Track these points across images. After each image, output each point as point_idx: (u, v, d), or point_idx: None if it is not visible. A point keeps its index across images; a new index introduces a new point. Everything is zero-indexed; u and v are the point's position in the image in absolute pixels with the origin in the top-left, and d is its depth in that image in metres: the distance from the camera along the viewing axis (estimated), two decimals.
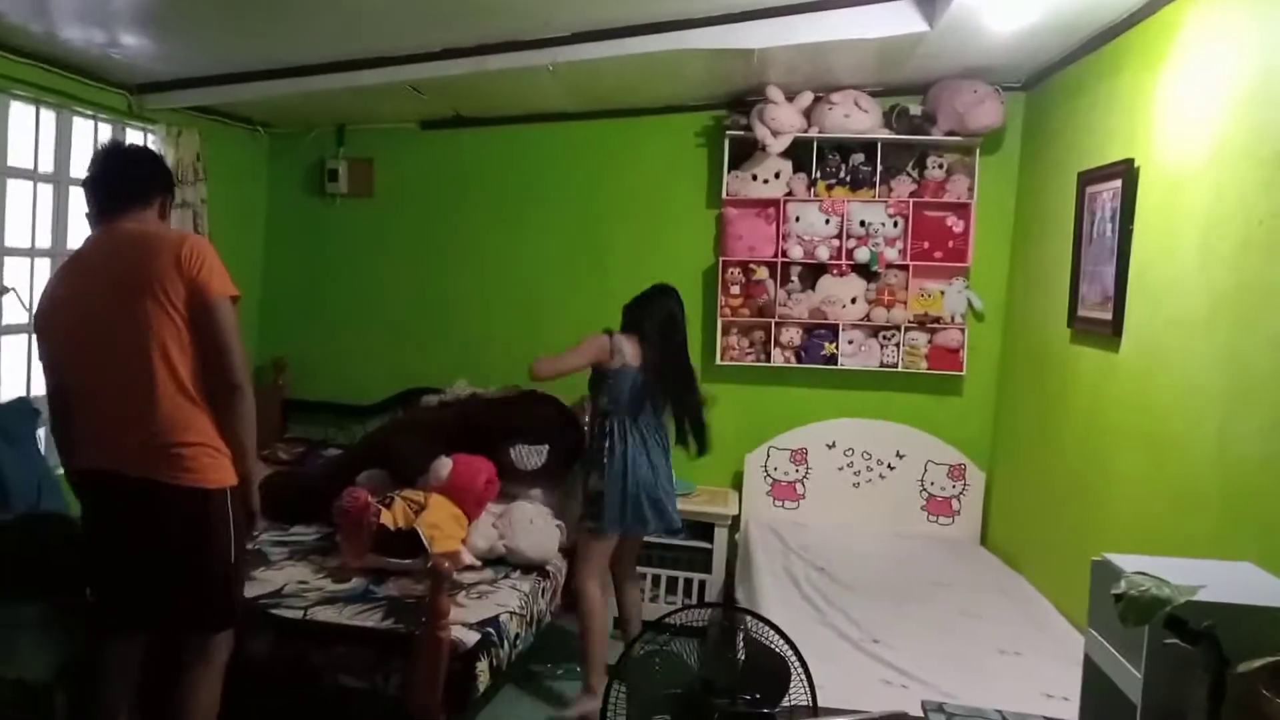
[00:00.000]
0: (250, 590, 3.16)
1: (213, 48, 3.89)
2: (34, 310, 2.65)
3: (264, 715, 2.93)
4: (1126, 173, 3.25)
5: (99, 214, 2.59)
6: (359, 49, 3.91)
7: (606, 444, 3.61)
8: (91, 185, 2.61)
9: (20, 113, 3.67)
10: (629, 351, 3.63)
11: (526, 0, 3.40)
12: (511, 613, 3.31)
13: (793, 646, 1.92)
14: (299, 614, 3.05)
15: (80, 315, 2.49)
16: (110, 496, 2.49)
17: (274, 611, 3.04)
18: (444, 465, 3.81)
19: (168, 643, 2.62)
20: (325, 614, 3.06)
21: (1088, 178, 3.60)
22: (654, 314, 3.73)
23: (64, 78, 3.79)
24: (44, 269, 3.86)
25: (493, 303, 5.12)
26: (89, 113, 4.00)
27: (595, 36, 3.72)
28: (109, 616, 2.60)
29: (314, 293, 5.37)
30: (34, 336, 2.68)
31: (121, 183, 2.60)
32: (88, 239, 2.63)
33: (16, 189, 3.69)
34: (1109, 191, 3.39)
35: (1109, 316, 3.31)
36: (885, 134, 4.51)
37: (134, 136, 4.37)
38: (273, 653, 2.93)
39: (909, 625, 3.35)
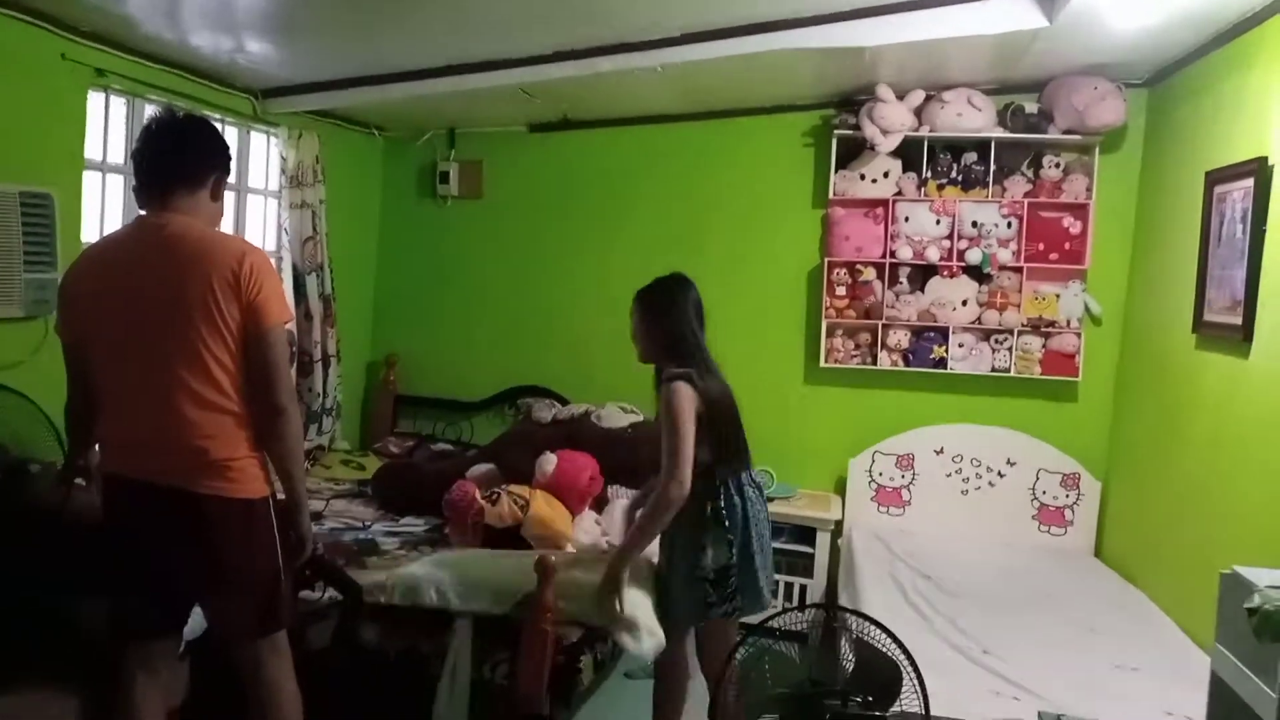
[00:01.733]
0: (362, 578, 3.25)
1: (332, 53, 4.03)
2: (60, 291, 2.48)
3: (374, 703, 3.02)
4: (1259, 172, 3.10)
5: (146, 196, 2.39)
6: (471, 53, 4.00)
7: (724, 505, 2.86)
8: (138, 161, 2.39)
9: None
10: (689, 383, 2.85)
11: (637, 1, 3.42)
12: None
13: (904, 650, 1.89)
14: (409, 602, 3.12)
15: (120, 317, 2.33)
16: (146, 506, 2.36)
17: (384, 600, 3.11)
18: (549, 461, 3.86)
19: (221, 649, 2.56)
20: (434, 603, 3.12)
21: (1216, 177, 3.45)
22: (702, 315, 3.08)
23: (194, 83, 3.98)
24: None
25: (596, 302, 5.17)
26: (217, 116, 4.18)
27: (705, 37, 3.71)
28: (133, 620, 2.48)
29: (424, 291, 5.51)
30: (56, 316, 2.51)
31: (171, 160, 2.39)
32: (130, 226, 2.47)
33: None
34: (1239, 191, 3.24)
35: (1238, 321, 3.16)
36: (999, 132, 4.40)
37: (258, 139, 4.55)
38: (382, 641, 3.02)
39: (1020, 637, 3.26)
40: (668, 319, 3.01)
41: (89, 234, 3.54)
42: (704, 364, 2.94)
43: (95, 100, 3.55)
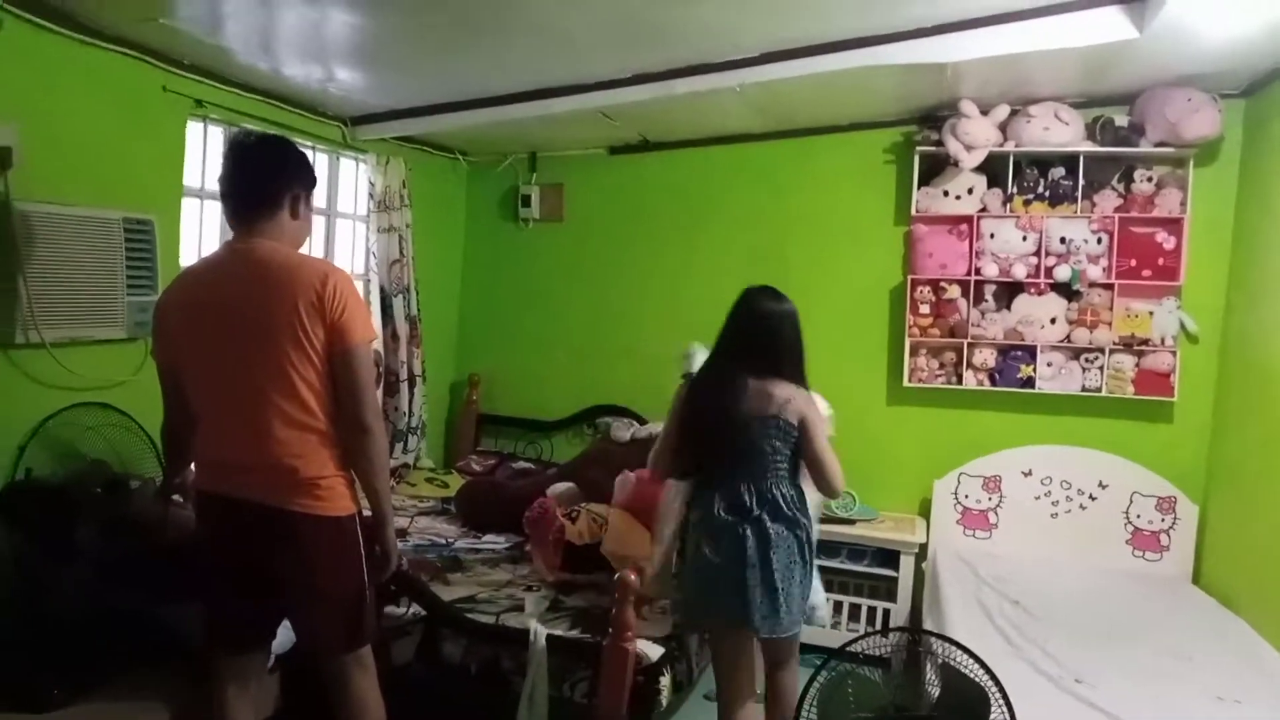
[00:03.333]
0: (446, 594, 3.30)
1: (417, 80, 4.13)
2: (155, 314, 2.57)
3: (455, 717, 3.06)
4: None
5: (233, 220, 2.47)
6: (551, 77, 4.06)
7: (697, 515, 2.94)
8: (221, 187, 2.49)
9: None
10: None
11: (715, 22, 3.43)
12: None
13: (992, 675, 1.85)
14: (491, 619, 3.16)
15: (211, 340, 2.40)
16: (238, 522, 2.42)
17: (468, 615, 3.15)
18: (628, 480, 3.87)
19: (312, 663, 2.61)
20: (516, 620, 3.15)
21: None
22: (749, 324, 3.06)
23: (287, 111, 4.11)
24: None
25: (675, 323, 5.17)
26: (309, 143, 4.31)
27: (783, 56, 3.71)
28: (225, 633, 2.55)
29: (506, 313, 5.59)
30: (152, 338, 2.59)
31: (249, 186, 2.46)
32: (221, 251, 2.53)
33: None
34: None
35: None
36: (1088, 146, 4.30)
37: (347, 165, 4.69)
38: (466, 655, 3.06)
39: (1114, 665, 3.14)
40: (798, 338, 3.04)
41: (187, 258, 3.67)
42: (718, 372, 2.96)
43: (194, 129, 3.70)
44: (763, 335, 2.97)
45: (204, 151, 3.77)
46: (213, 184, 3.78)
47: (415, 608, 3.14)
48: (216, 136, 3.84)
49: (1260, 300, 3.93)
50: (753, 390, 2.85)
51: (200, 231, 3.79)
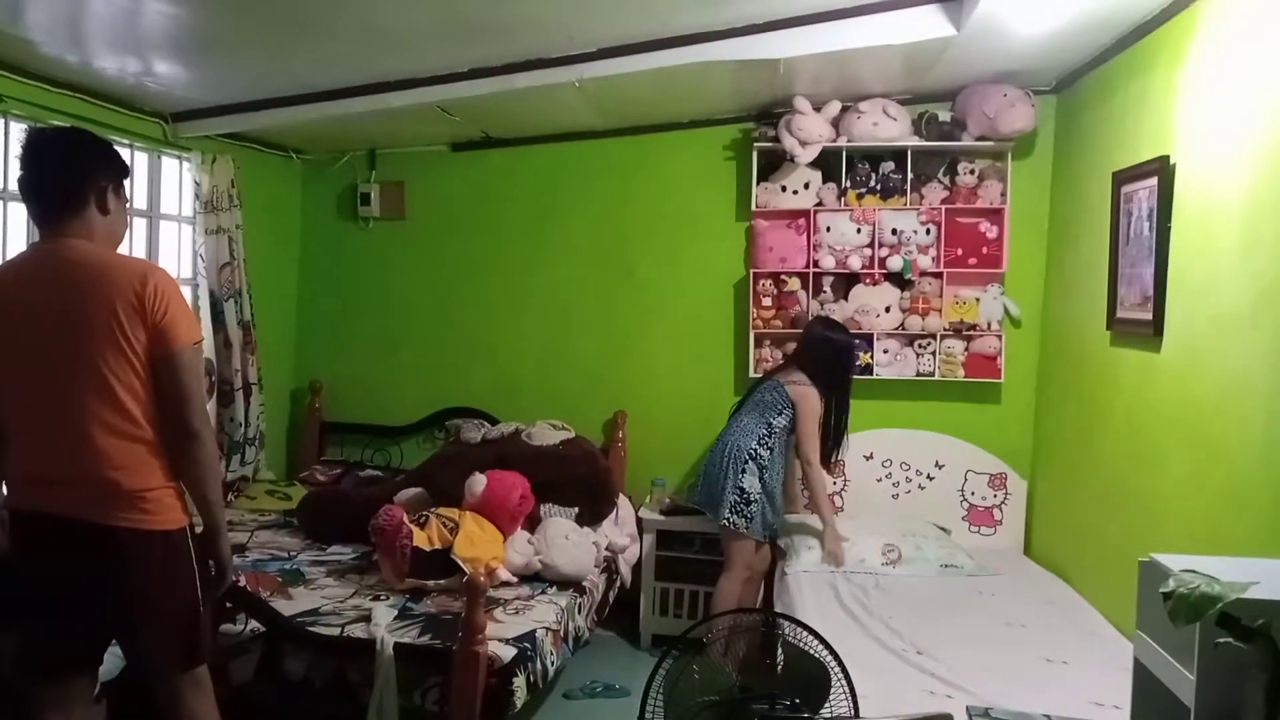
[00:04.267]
0: (288, 608, 3.17)
1: (243, 74, 3.95)
2: None
3: None
4: (1162, 170, 3.19)
5: (39, 220, 2.34)
6: (387, 71, 3.95)
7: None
8: (21, 186, 2.33)
9: None
10: None
11: (550, 17, 3.42)
12: (548, 629, 3.29)
13: (832, 651, 1.89)
14: (336, 631, 3.05)
15: (23, 347, 2.27)
16: (57, 540, 2.27)
17: (311, 629, 3.03)
18: (478, 482, 3.81)
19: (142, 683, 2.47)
20: (363, 631, 3.05)
21: (1123, 177, 3.54)
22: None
23: (101, 107, 3.86)
24: None
25: (524, 321, 5.14)
26: (125, 141, 4.06)
27: (620, 52, 3.73)
28: (46, 660, 2.37)
29: (348, 315, 5.42)
30: None
31: (51, 182, 2.32)
32: (28, 253, 2.42)
33: None
34: (1145, 190, 3.33)
35: (1149, 316, 3.24)
36: (915, 141, 4.48)
37: (170, 164, 4.44)
38: (310, 670, 2.94)
39: (953, 636, 3.28)
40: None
41: None
42: None
43: None
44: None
45: (4, 150, 3.50)
46: (14, 184, 3.55)
47: (254, 624, 3.00)
48: (20, 134, 3.56)
49: (1073, 286, 4.18)
50: None
51: (4, 236, 3.52)
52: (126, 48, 3.46)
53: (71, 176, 2.32)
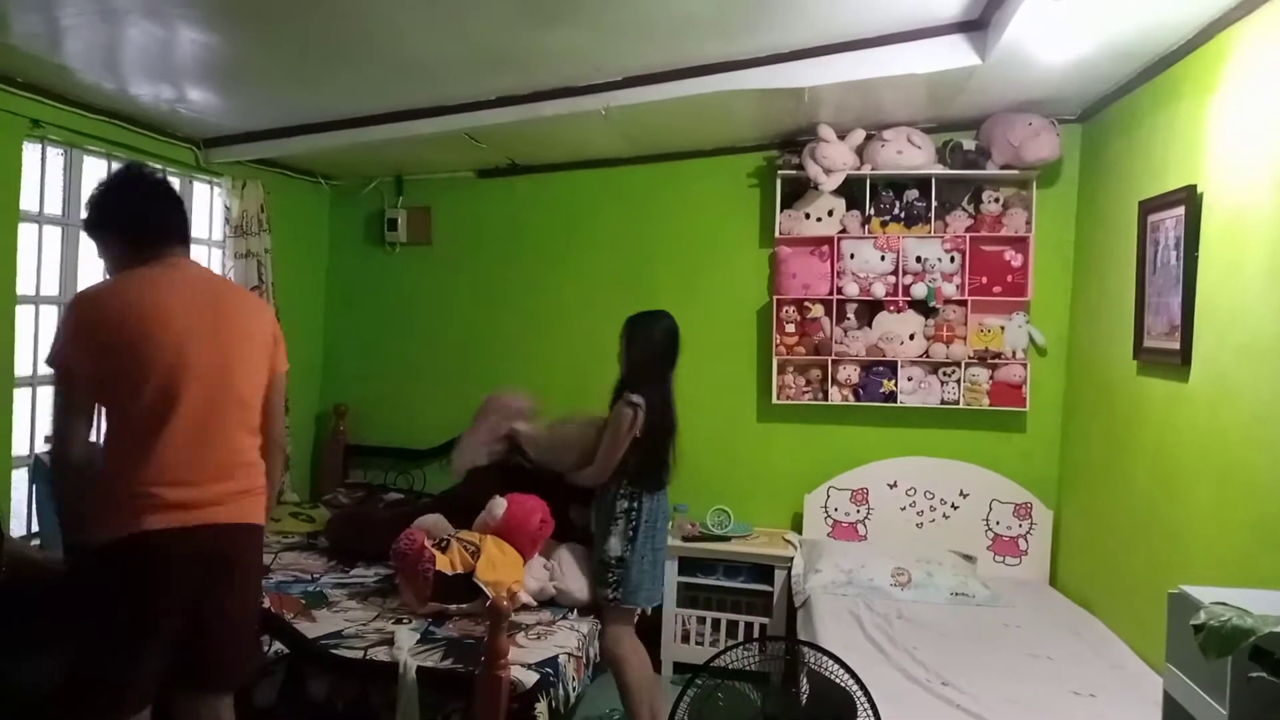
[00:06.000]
0: (311, 631, 3.18)
1: (274, 101, 4.01)
2: (96, 323, 2.28)
3: None
4: (1189, 199, 3.18)
5: (148, 247, 2.39)
6: (416, 99, 4.00)
7: (625, 506, 3.51)
8: (133, 215, 2.42)
9: (93, 167, 3.80)
10: (642, 410, 3.45)
11: (577, 46, 3.45)
12: (569, 654, 3.28)
13: (858, 680, 1.88)
14: (359, 654, 3.05)
15: (205, 346, 2.35)
16: (196, 554, 2.28)
17: (335, 652, 3.04)
18: (499, 505, 3.82)
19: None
20: (385, 654, 3.05)
21: (1149, 206, 3.53)
22: (671, 348, 3.61)
23: (135, 133, 3.93)
24: None
25: (548, 345, 5.16)
26: (159, 166, 4.13)
27: (646, 80, 3.77)
28: (139, 695, 2.29)
29: (374, 339, 5.46)
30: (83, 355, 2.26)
31: (175, 219, 2.49)
32: (163, 266, 2.39)
33: (88, 240, 3.78)
34: (1172, 219, 3.32)
35: (1177, 346, 3.22)
36: (939, 169, 4.49)
37: (201, 189, 4.50)
38: (332, 693, 2.94)
39: (978, 667, 3.25)
40: (635, 347, 3.57)
41: (25, 287, 3.46)
42: (659, 392, 3.49)
43: (31, 151, 3.49)
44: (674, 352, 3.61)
45: (42, 174, 3.56)
46: (53, 208, 3.62)
47: (277, 646, 3.01)
48: (56, 159, 3.64)
49: (1099, 314, 4.16)
50: None
51: (40, 258, 3.58)
52: (161, 75, 3.52)
53: (181, 211, 2.55)
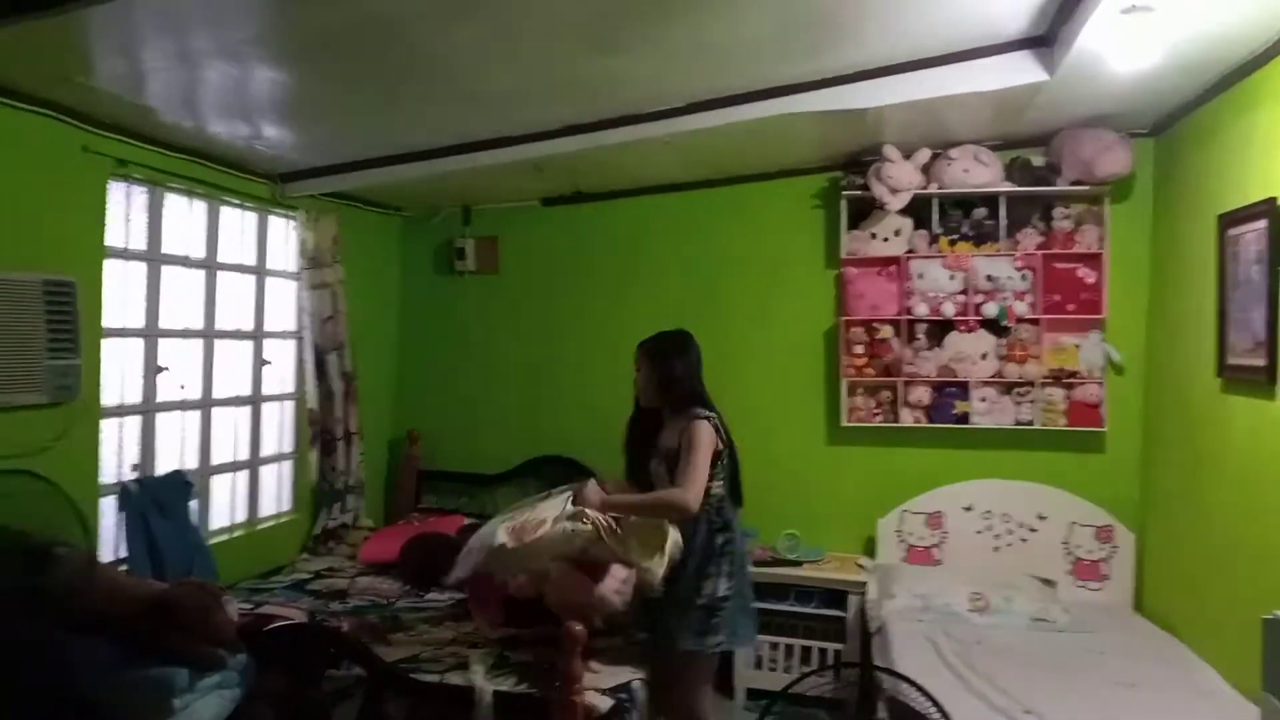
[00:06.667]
0: (388, 655, 3.22)
1: (346, 136, 4.12)
2: None
3: None
4: (1272, 212, 3.10)
5: None
6: (483, 130, 4.07)
7: (724, 538, 3.14)
8: None
9: (174, 204, 3.93)
10: (717, 422, 3.20)
11: (637, 75, 3.49)
12: (643, 679, 3.27)
13: (940, 709, 1.84)
14: (436, 678, 3.08)
15: None
16: None
17: (412, 676, 3.07)
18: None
19: None
20: (460, 679, 3.08)
21: (1229, 220, 3.45)
22: (701, 364, 3.36)
23: (214, 170, 4.06)
24: (196, 349, 4.09)
25: (615, 370, 5.14)
26: (236, 201, 4.26)
27: (708, 106, 3.78)
28: None
29: (445, 366, 5.55)
30: None
31: None
32: None
33: (170, 275, 3.93)
34: (1253, 233, 3.24)
35: (1263, 363, 3.13)
36: (1008, 187, 4.43)
37: (276, 223, 4.63)
38: (410, 717, 2.97)
39: (1062, 695, 3.17)
40: (682, 366, 3.31)
41: (112, 320, 3.58)
42: (717, 411, 3.24)
43: (117, 190, 3.63)
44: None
45: (127, 212, 3.70)
46: (137, 244, 3.75)
47: (356, 670, 3.05)
48: (140, 197, 3.77)
49: (1178, 332, 4.05)
50: None
51: (125, 294, 3.71)
52: (237, 113, 3.64)
53: None
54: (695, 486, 3.03)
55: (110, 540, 3.59)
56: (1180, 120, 4.06)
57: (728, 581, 3.07)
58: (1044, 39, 3.35)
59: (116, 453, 3.69)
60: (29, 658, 2.63)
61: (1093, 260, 4.41)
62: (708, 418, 3.15)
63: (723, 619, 3.05)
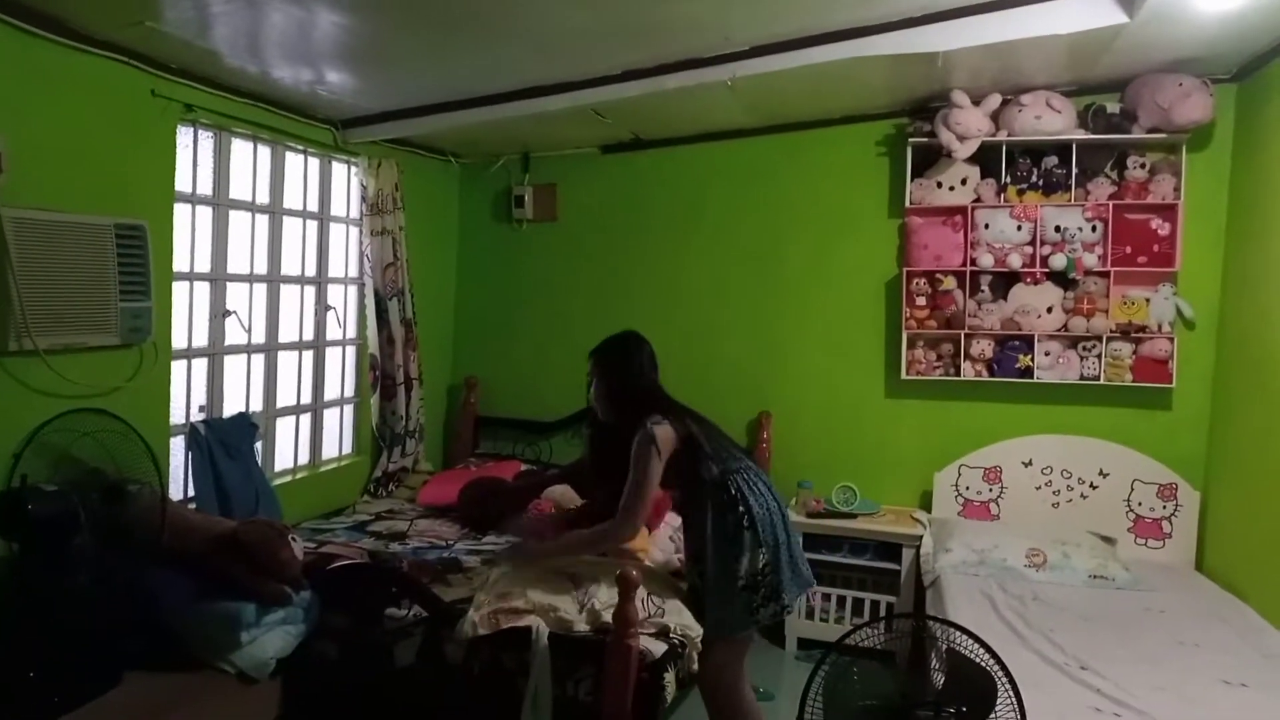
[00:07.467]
0: (447, 595, 3.28)
1: (407, 81, 4.11)
2: None
3: (459, 718, 3.04)
4: None
5: None
6: (543, 75, 4.04)
7: (734, 516, 2.85)
8: None
9: (240, 149, 3.97)
10: (668, 424, 2.97)
11: (703, 17, 3.42)
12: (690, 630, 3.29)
13: (997, 659, 1.83)
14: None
15: None
16: None
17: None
18: None
19: None
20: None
21: None
22: (656, 368, 3.29)
23: (277, 114, 4.09)
24: (261, 294, 4.16)
25: (672, 320, 5.16)
26: (299, 147, 4.30)
27: (774, 49, 3.70)
28: None
29: (502, 314, 5.58)
30: None
31: None
32: None
33: (236, 219, 3.99)
34: None
35: None
36: (1080, 134, 4.30)
37: (339, 169, 4.66)
38: (467, 657, 3.04)
39: (1119, 652, 3.14)
40: (629, 376, 3.21)
41: (180, 263, 3.65)
42: (671, 408, 3.06)
43: (184, 134, 3.67)
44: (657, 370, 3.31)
45: (194, 156, 3.75)
46: (204, 189, 3.80)
47: (416, 609, 3.12)
48: (207, 141, 3.81)
49: (1256, 286, 3.92)
50: None
51: (193, 237, 3.77)
52: (301, 58, 3.65)
53: None
54: (632, 513, 2.90)
55: (178, 479, 3.69)
56: (1266, 65, 3.89)
57: (759, 552, 2.82)
58: None
59: (185, 394, 3.78)
60: (114, 587, 2.74)
61: (1167, 211, 4.27)
62: (656, 424, 2.93)
63: (769, 588, 2.83)
